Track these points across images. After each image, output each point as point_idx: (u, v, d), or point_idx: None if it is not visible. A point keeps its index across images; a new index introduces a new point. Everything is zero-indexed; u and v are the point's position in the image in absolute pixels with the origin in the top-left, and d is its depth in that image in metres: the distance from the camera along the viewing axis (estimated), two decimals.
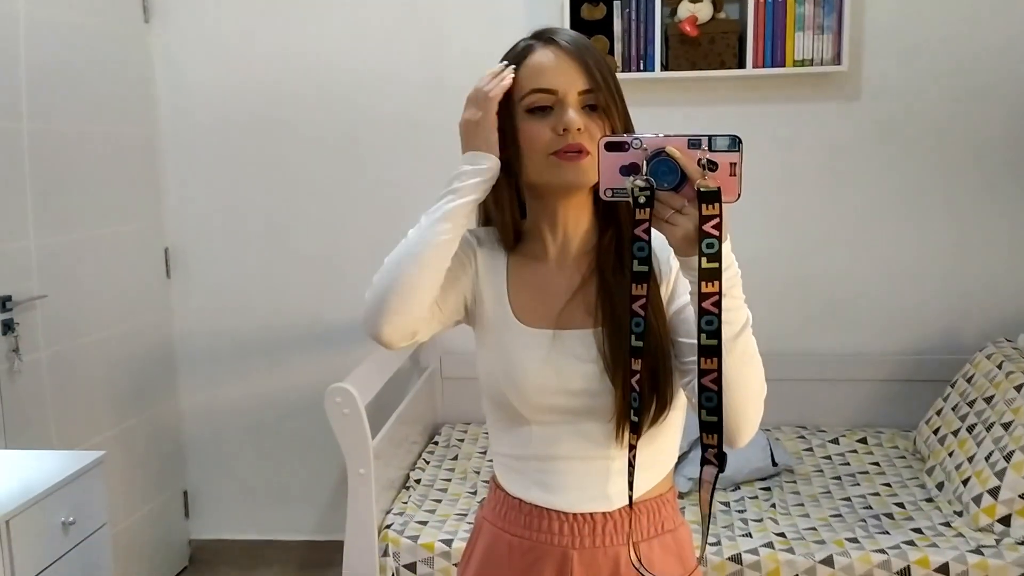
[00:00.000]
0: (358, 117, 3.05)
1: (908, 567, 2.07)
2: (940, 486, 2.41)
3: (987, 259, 2.90)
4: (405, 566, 2.23)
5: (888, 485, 2.49)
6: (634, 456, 1.10)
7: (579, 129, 1.12)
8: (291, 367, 3.20)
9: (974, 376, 2.57)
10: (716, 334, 0.99)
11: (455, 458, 2.80)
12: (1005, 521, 2.12)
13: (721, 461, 1.01)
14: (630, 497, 1.11)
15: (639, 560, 1.15)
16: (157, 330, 3.13)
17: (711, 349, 0.99)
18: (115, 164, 2.87)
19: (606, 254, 1.19)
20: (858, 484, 2.51)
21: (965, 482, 2.27)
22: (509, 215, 1.23)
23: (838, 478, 2.56)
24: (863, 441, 2.81)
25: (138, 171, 3.02)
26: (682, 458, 2.40)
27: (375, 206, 3.07)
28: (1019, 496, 2.11)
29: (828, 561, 2.09)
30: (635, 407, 1.08)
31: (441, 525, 2.31)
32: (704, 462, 1.03)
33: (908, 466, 2.62)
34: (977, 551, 2.08)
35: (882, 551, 2.10)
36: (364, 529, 2.22)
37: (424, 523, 2.31)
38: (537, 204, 1.22)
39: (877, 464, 2.64)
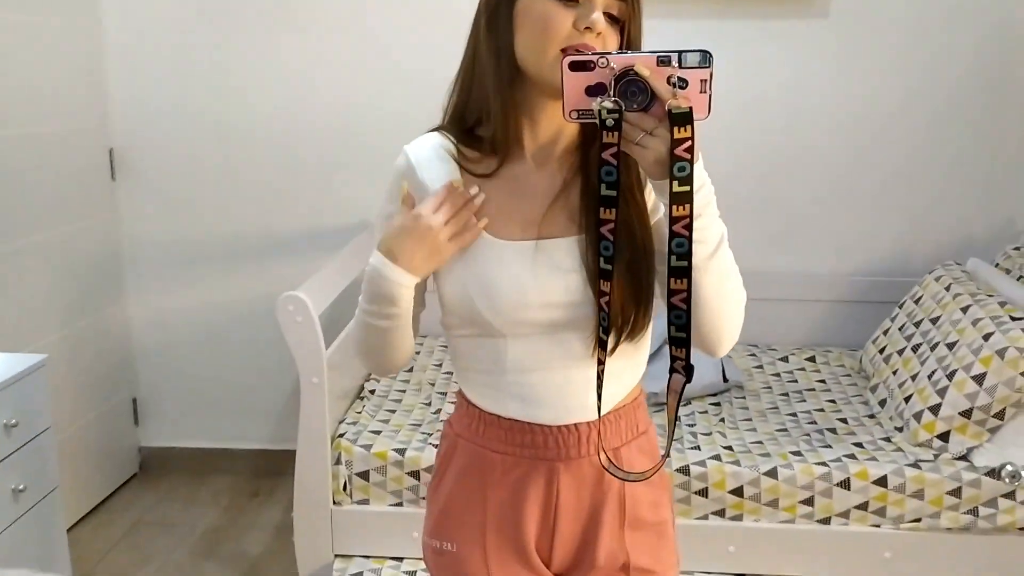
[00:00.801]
0: (317, 21, 2.93)
1: (848, 479, 2.13)
2: (883, 403, 2.47)
3: (940, 183, 2.92)
4: (358, 474, 2.24)
5: (833, 402, 2.55)
6: (602, 371, 1.10)
7: (598, 33, 1.04)
8: (244, 275, 3.15)
9: (922, 298, 2.62)
10: (686, 256, 0.99)
11: (410, 369, 2.80)
12: (944, 437, 2.19)
13: (688, 372, 1.03)
14: (598, 408, 1.13)
15: (611, 463, 1.16)
16: (102, 234, 3.04)
17: (680, 271, 1.00)
18: (55, 57, 2.73)
19: (595, 154, 1.06)
20: (804, 401, 2.57)
21: (907, 399, 2.33)
22: (512, 123, 1.12)
23: (785, 395, 2.62)
24: (811, 359, 2.86)
25: (80, 65, 2.88)
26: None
27: (331, 112, 2.99)
28: (959, 414, 2.17)
29: (772, 473, 2.15)
30: (603, 326, 1.07)
31: (395, 435, 2.32)
32: (672, 371, 1.05)
33: (853, 384, 2.68)
34: (915, 465, 2.15)
35: (824, 464, 2.16)
36: (316, 438, 2.22)
37: (377, 432, 2.32)
38: (519, 96, 1.11)
39: (824, 382, 2.70)
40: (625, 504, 1.21)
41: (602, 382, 1.11)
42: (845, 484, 2.13)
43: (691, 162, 0.96)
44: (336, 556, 2.27)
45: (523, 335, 1.14)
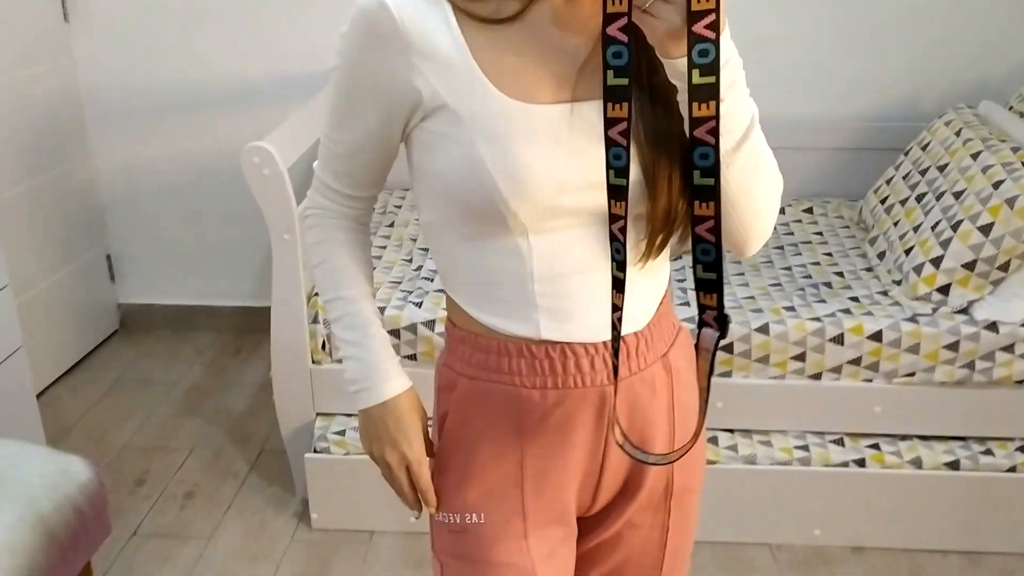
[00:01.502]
0: None
1: (842, 334, 2.06)
2: (881, 256, 2.37)
3: (951, 19, 2.72)
4: None
5: (829, 255, 2.46)
6: (620, 314, 0.91)
7: None
8: (212, 125, 2.97)
9: (930, 144, 2.48)
10: (712, 171, 0.81)
11: (391, 224, 2.68)
12: (944, 291, 2.11)
13: (723, 325, 0.87)
14: (616, 337, 0.91)
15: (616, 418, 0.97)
16: (58, 82, 2.84)
17: (706, 191, 0.82)
18: None
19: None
20: (800, 254, 2.47)
21: (908, 251, 2.23)
22: None
23: (780, 248, 2.52)
24: (809, 211, 2.75)
25: None
26: None
27: None
28: (961, 266, 2.08)
29: (763, 329, 2.08)
30: (617, 260, 0.87)
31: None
32: (701, 325, 0.89)
33: (851, 236, 2.58)
34: (912, 319, 2.07)
35: (817, 319, 2.09)
36: (291, 297, 2.13)
37: None
38: None
39: (820, 234, 2.60)
40: (675, 417, 1.04)
41: (621, 314, 0.91)
42: (838, 339, 2.06)
43: (716, 43, 0.76)
44: (317, 415, 2.23)
45: (554, 229, 0.92)
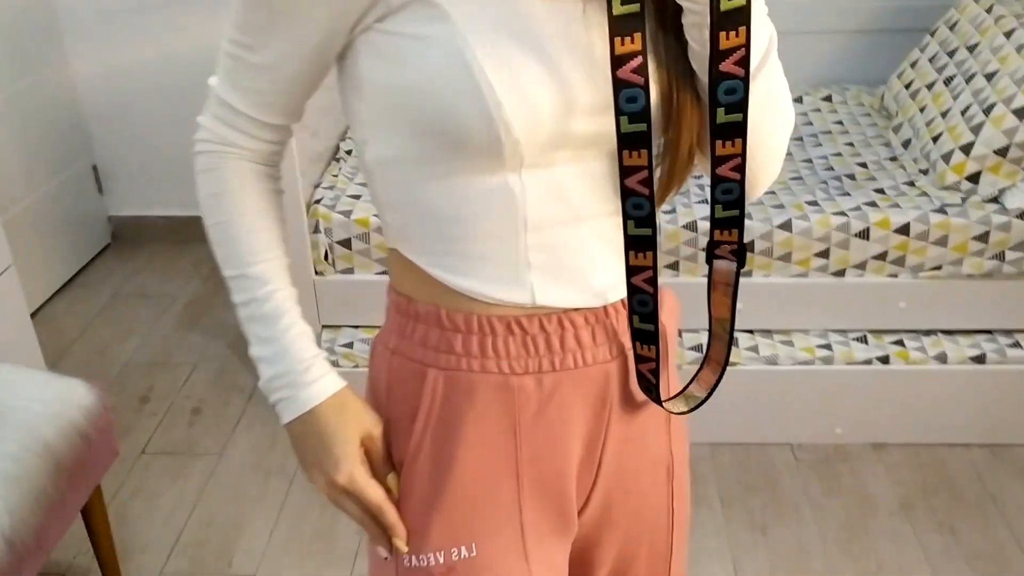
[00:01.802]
0: None
1: (868, 228, 1.98)
2: (907, 144, 2.27)
3: None
4: (339, 242, 2.07)
5: (851, 145, 2.35)
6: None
7: None
8: (196, 22, 2.80)
9: (958, 23, 2.33)
10: (739, 106, 0.69)
11: None
12: (974, 179, 2.01)
13: (741, 256, 0.76)
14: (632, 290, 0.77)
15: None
16: None
17: (732, 129, 0.70)
18: None
19: None
20: (820, 145, 2.36)
21: (935, 139, 2.12)
22: None
23: (800, 139, 2.40)
24: (827, 99, 2.62)
25: None
26: None
27: None
28: (993, 152, 1.97)
29: (786, 226, 1.99)
30: (637, 216, 0.73)
31: None
32: (714, 257, 0.77)
33: (873, 124, 2.46)
34: (941, 210, 1.98)
35: (842, 213, 2.00)
36: (290, 206, 2.02)
37: (357, 197, 2.12)
38: None
39: (841, 123, 2.48)
40: (670, 387, 0.90)
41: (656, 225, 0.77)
42: (864, 234, 1.98)
43: None
44: (323, 327, 2.16)
45: (553, 164, 0.74)
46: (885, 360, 2.04)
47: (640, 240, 0.74)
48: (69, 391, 1.55)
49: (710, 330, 0.82)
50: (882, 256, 2.00)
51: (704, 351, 0.92)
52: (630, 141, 0.70)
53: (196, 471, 2.12)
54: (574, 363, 0.79)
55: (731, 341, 0.80)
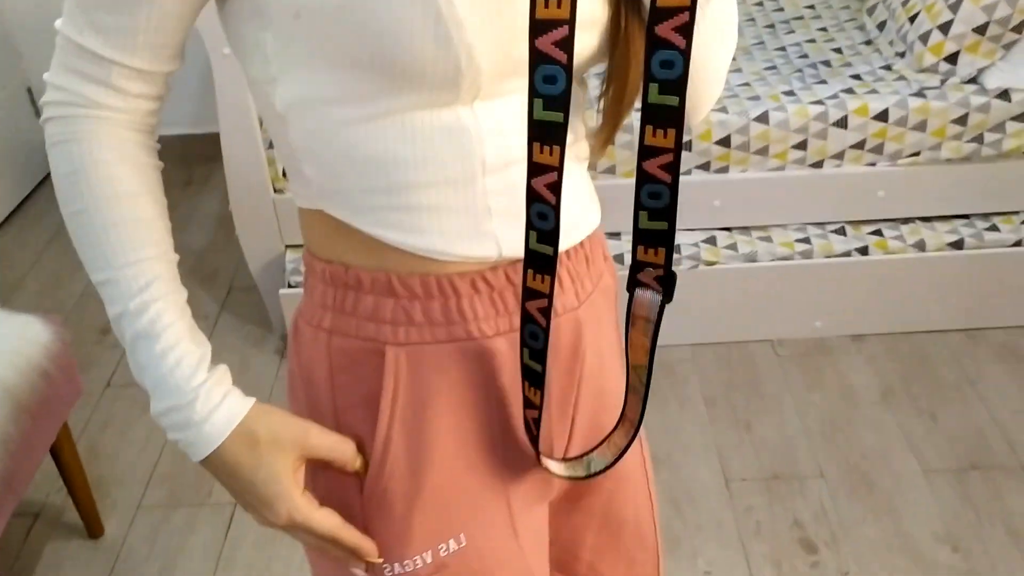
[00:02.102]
0: None
1: (846, 117, 1.92)
2: (882, 26, 2.19)
3: None
4: None
5: (824, 30, 2.27)
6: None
7: None
8: None
9: None
10: (676, 87, 0.53)
11: None
12: (952, 59, 1.95)
13: (668, 286, 0.60)
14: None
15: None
16: None
17: (665, 114, 0.54)
18: None
19: None
20: (793, 31, 2.28)
21: (912, 19, 2.05)
22: None
23: (771, 26, 2.32)
24: None
25: None
26: None
27: None
28: (972, 30, 1.91)
29: (762, 118, 1.92)
30: (542, 229, 0.60)
31: None
32: (636, 285, 0.62)
33: (846, 7, 2.37)
34: (919, 94, 1.93)
35: (819, 102, 1.93)
36: (240, 119, 1.90)
37: None
38: None
39: (812, 7, 2.39)
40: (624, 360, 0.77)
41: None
42: (842, 123, 1.92)
43: None
44: (287, 247, 2.07)
45: (505, 94, 0.63)
46: (864, 251, 2.01)
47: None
48: (25, 328, 1.47)
49: (627, 381, 0.67)
50: (860, 145, 1.95)
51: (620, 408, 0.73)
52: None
53: None
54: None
55: (647, 395, 0.65)
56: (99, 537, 1.74)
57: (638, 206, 0.58)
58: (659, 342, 0.64)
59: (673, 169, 0.56)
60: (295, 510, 0.65)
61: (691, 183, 1.97)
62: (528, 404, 0.67)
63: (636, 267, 0.61)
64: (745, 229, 2.05)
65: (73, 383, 1.55)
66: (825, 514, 1.71)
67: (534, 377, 0.65)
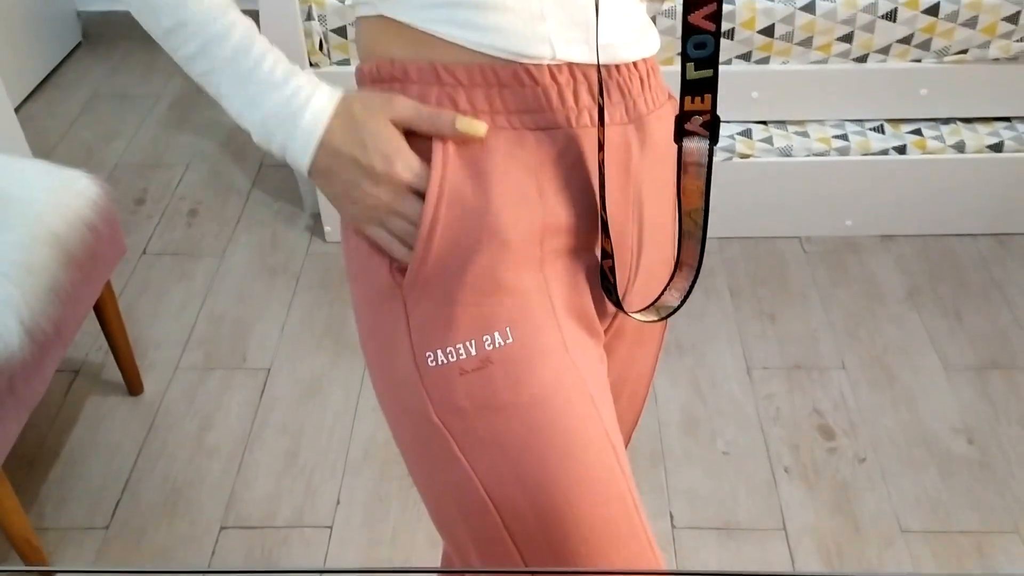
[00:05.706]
0: None
1: (896, 9, 1.87)
2: None
3: None
4: (333, 31, 1.95)
5: None
6: None
7: None
8: None
9: None
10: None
11: None
12: None
13: (713, 129, 0.66)
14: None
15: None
16: None
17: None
18: None
19: None
20: None
21: None
22: None
23: None
24: None
25: None
26: None
27: None
28: None
29: (809, 7, 1.88)
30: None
31: None
32: (684, 134, 0.66)
33: None
34: None
35: None
36: None
37: None
38: None
39: None
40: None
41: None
42: (891, 15, 1.88)
43: None
44: None
45: None
46: (902, 150, 2.00)
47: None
48: (72, 183, 1.48)
49: (680, 227, 0.70)
50: (907, 39, 1.91)
51: (675, 254, 0.76)
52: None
53: (200, 271, 2.09)
54: (590, 120, 0.69)
55: (704, 238, 0.69)
56: (139, 395, 1.80)
57: (684, 58, 0.64)
58: None
59: (716, 18, 0.63)
60: (412, 162, 0.66)
61: (730, 72, 1.95)
62: (688, 116, 0.68)
63: (683, 118, 0.66)
64: (782, 123, 2.04)
65: (117, 240, 1.58)
66: (845, 403, 1.75)
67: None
